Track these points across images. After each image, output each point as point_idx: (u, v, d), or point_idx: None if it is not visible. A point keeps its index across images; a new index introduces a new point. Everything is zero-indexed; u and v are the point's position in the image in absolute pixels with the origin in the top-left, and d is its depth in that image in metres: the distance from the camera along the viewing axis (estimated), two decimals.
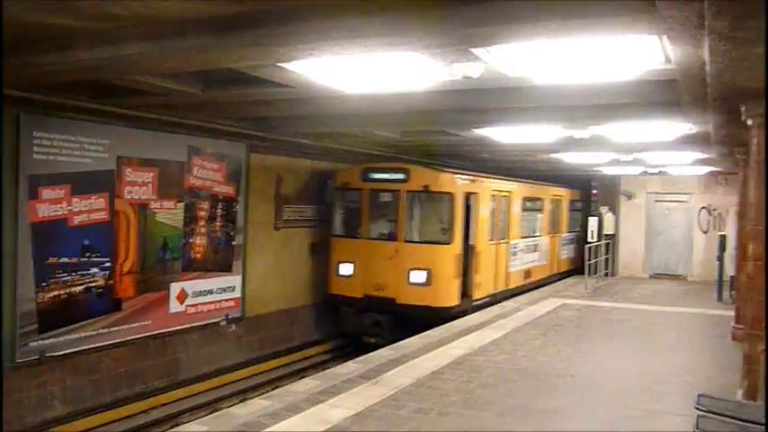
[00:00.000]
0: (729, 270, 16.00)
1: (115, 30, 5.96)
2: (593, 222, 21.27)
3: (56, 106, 9.61)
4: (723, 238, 17.06)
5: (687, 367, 10.10)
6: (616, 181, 23.22)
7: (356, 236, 15.17)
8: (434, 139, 14.53)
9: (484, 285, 15.73)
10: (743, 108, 6.89)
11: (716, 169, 19.11)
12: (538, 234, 20.24)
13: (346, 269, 14.95)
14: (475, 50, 5.92)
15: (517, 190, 18.29)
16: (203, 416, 7.55)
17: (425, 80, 7.46)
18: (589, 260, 18.99)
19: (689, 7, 3.80)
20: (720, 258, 17.03)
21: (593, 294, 17.91)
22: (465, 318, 13.79)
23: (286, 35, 5.37)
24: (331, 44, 5.39)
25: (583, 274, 19.35)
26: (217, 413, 7.32)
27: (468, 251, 15.00)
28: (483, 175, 16.79)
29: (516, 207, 18.05)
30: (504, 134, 12.56)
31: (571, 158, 17.25)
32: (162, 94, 9.00)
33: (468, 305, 14.79)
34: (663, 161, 17.09)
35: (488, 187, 16.28)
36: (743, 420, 5.38)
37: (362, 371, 9.10)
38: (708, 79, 5.64)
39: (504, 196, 17.20)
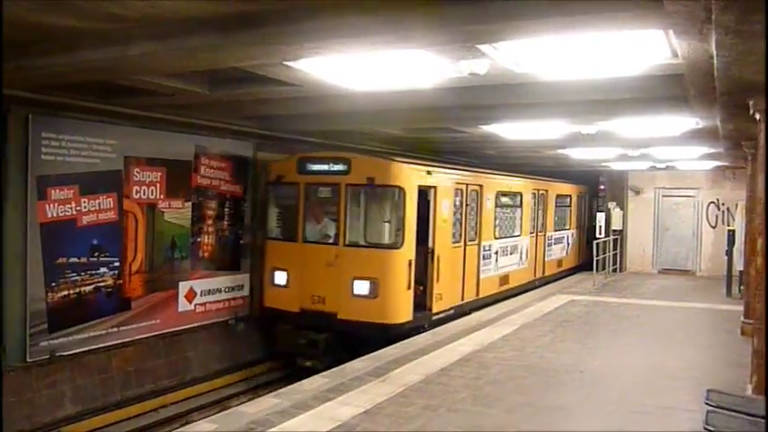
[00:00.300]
0: (738, 265, 15.93)
1: (120, 30, 5.98)
2: (600, 218, 21.23)
3: (64, 107, 9.66)
4: (732, 233, 17.00)
5: (696, 363, 10.08)
6: (624, 176, 23.16)
7: (292, 239, 12.81)
8: (440, 136, 14.54)
9: (447, 296, 13.38)
10: (750, 102, 6.86)
11: (723, 164, 19.04)
12: (517, 234, 17.67)
13: (281, 278, 12.73)
14: (481, 47, 5.92)
15: (489, 183, 15.71)
16: (212, 414, 7.59)
17: (432, 77, 7.46)
18: (597, 256, 18.93)
19: (694, 2, 3.79)
20: (729, 253, 16.98)
21: (602, 290, 17.88)
22: (474, 314, 13.77)
23: (292, 34, 5.38)
24: (337, 42, 5.41)
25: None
26: (226, 411, 7.35)
27: (427, 256, 12.74)
28: (444, 165, 14.50)
29: (489, 203, 15.54)
30: (510, 130, 12.56)
31: (578, 154, 17.22)
32: (169, 93, 9.04)
33: (426, 320, 12.59)
34: (670, 156, 17.04)
35: (451, 180, 13.79)
36: (752, 415, 5.37)
37: (371, 368, 9.11)
38: (715, 73, 5.62)
39: (474, 190, 14.75)
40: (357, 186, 12.25)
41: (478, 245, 14.98)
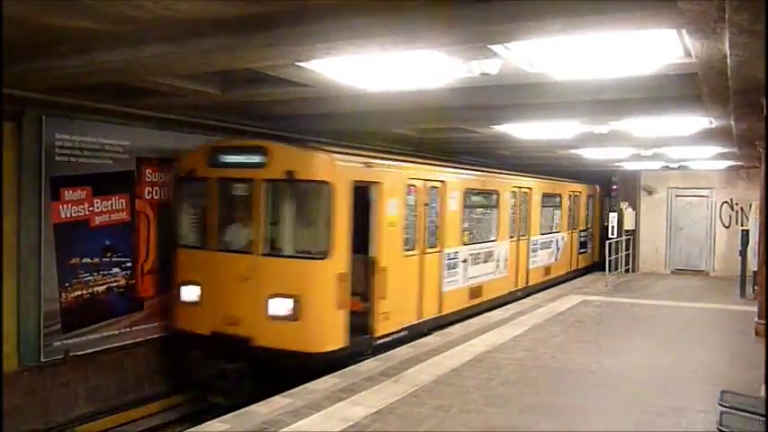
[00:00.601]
0: (752, 265, 15.84)
1: (133, 32, 6.02)
2: (612, 218, 21.13)
3: (77, 108, 9.72)
4: (745, 233, 16.90)
5: (709, 363, 10.03)
6: (636, 176, 23.08)
7: (203, 246, 10.66)
8: (454, 137, 14.53)
9: (397, 314, 11.11)
10: (764, 101, 6.82)
11: (737, 163, 18.95)
12: (493, 238, 15.41)
13: (191, 294, 10.51)
14: (493, 47, 5.92)
15: (454, 179, 13.45)
16: (224, 414, 7.62)
17: (443, 77, 7.45)
18: (609, 256, 18.83)
19: (708, 1, 3.78)
20: (743, 253, 16.88)
21: (614, 291, 17.82)
22: (485, 315, 13.68)
23: (304, 35, 5.40)
24: (349, 43, 5.41)
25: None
26: (238, 411, 7.37)
27: (369, 267, 10.60)
28: (391, 157, 12.26)
29: (454, 202, 13.26)
30: (522, 131, 12.54)
31: (591, 154, 17.17)
32: (181, 95, 9.08)
33: (366, 345, 10.45)
34: (683, 155, 16.97)
35: (401, 175, 11.54)
36: (766, 416, 5.34)
37: (383, 368, 9.12)
38: (728, 72, 5.60)
39: (434, 187, 12.55)
40: (275, 182, 10.04)
41: (440, 252, 12.79)
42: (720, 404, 5.75)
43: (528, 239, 17.72)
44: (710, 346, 11.33)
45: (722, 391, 6.08)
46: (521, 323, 12.71)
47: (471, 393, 8.09)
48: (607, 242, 19.31)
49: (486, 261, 14.91)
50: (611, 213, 21.76)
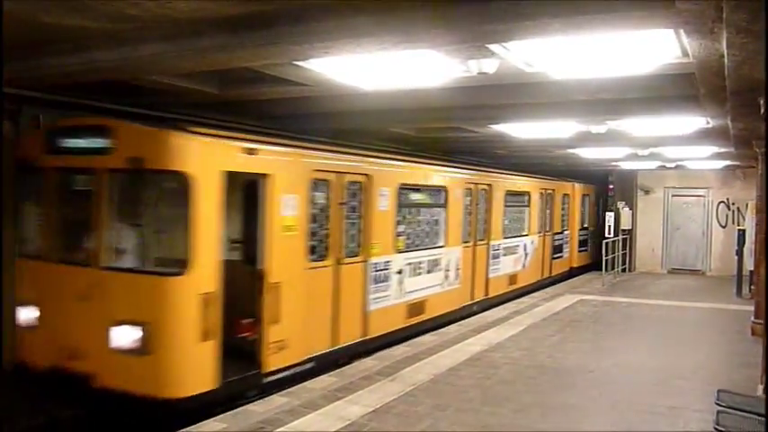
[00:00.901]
0: (748, 265, 15.89)
1: (132, 30, 6.03)
2: (609, 217, 21.13)
3: (75, 107, 9.68)
4: (742, 233, 16.95)
5: (706, 363, 10.05)
6: (633, 176, 23.13)
7: (40, 256, 8.37)
8: (451, 136, 14.51)
9: (298, 342, 8.81)
10: (761, 101, 6.83)
11: (734, 163, 18.99)
12: (440, 244, 13.01)
13: (28, 316, 8.29)
14: (491, 47, 5.92)
15: (383, 173, 11.04)
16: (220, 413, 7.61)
17: (442, 76, 7.45)
18: (606, 256, 18.84)
19: (706, 1, 3.79)
20: (739, 253, 16.92)
21: (611, 290, 17.84)
22: (482, 314, 13.69)
23: (302, 34, 5.40)
24: (347, 42, 5.43)
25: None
26: (235, 410, 7.36)
27: (256, 283, 8.32)
28: (289, 143, 9.52)
29: (384, 201, 10.94)
30: (520, 130, 12.54)
31: (588, 154, 17.19)
32: (179, 93, 9.07)
33: (250, 385, 8.20)
34: (680, 155, 17.00)
35: (302, 166, 9.08)
36: (763, 416, 5.35)
37: (380, 367, 9.12)
38: (726, 72, 5.60)
39: (355, 182, 10.28)
40: (121, 172, 7.70)
41: (365, 262, 10.51)
42: (717, 403, 5.76)
43: (488, 244, 15.38)
44: (707, 346, 11.35)
45: (719, 391, 6.08)
46: (517, 323, 12.72)
47: (468, 392, 8.09)
48: (604, 241, 19.32)
49: (430, 271, 12.58)
50: (607, 213, 21.78)
